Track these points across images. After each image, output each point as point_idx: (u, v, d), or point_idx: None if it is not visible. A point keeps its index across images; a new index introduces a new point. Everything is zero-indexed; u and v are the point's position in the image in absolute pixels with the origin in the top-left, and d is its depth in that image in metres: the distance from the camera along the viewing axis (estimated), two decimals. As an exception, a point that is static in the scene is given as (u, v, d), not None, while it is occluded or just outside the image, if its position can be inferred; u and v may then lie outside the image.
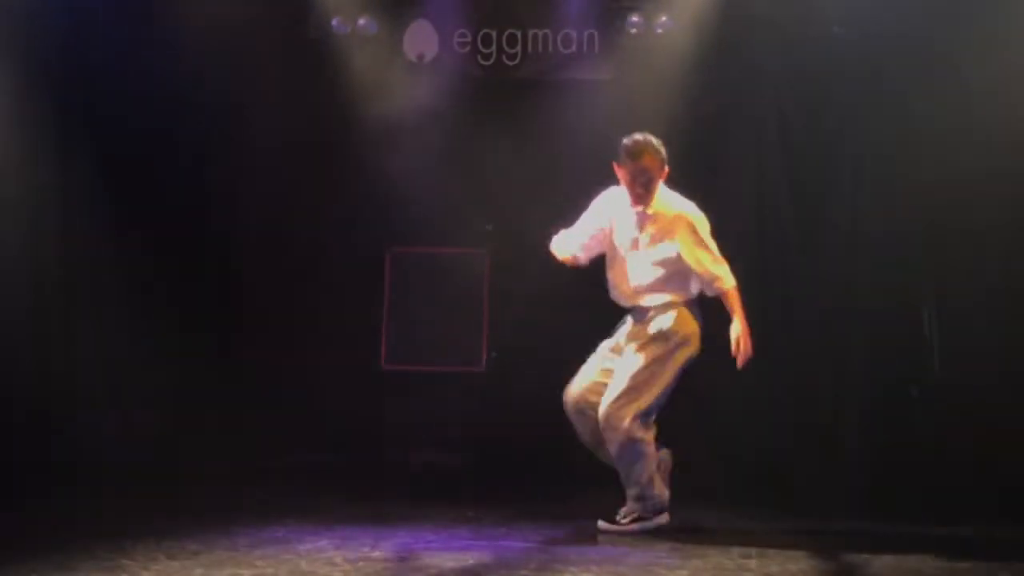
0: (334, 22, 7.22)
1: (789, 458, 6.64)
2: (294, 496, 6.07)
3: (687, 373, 5.34)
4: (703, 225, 5.28)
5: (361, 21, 7.21)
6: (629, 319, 5.37)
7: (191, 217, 7.09)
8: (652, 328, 5.24)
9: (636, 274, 5.31)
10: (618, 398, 5.14)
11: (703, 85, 7.07)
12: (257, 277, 7.18)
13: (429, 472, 6.86)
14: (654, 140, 5.26)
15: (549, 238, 5.41)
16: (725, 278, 5.24)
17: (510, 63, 7.28)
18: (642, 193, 5.24)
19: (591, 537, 5.07)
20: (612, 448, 5.18)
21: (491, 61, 7.29)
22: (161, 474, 6.37)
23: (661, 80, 7.02)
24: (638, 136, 5.26)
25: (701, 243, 5.23)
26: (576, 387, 5.34)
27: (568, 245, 5.33)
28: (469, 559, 4.55)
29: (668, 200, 5.32)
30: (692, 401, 6.89)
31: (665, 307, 5.26)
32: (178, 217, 7.02)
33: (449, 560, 4.52)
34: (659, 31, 7.09)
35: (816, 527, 5.31)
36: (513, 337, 7.11)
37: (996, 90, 6.38)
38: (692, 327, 5.27)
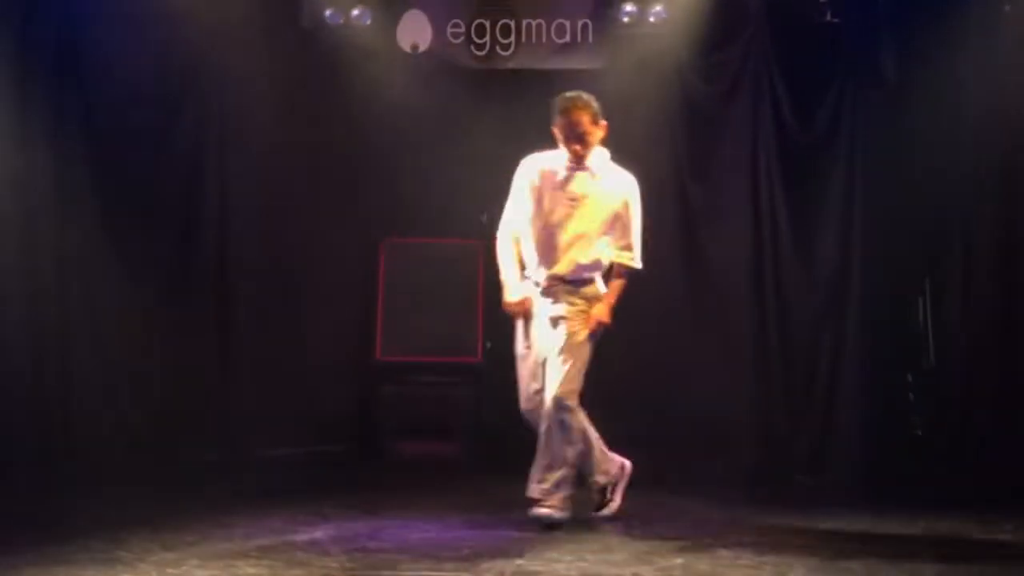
0: (327, 13, 7.20)
1: (783, 448, 6.66)
2: (290, 487, 6.07)
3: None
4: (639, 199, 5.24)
5: (355, 12, 7.19)
6: (547, 290, 5.20)
7: (184, 209, 7.06)
8: (586, 297, 5.15)
9: (577, 237, 5.13)
10: (567, 380, 5.03)
11: (697, 74, 7.08)
12: (251, 268, 7.16)
13: (425, 463, 6.86)
14: (584, 95, 5.12)
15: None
16: (639, 259, 5.23)
17: (504, 53, 7.27)
18: (579, 148, 5.10)
19: (586, 526, 5.08)
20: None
21: (485, 51, 7.27)
22: (157, 466, 6.37)
23: (655, 70, 7.02)
24: (568, 93, 5.15)
25: (638, 216, 5.20)
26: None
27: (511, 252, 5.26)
28: (464, 549, 4.55)
29: (613, 165, 5.21)
30: (684, 392, 6.92)
31: (594, 279, 5.19)
32: (171, 209, 7.01)
33: (444, 550, 4.53)
34: (652, 20, 7.08)
35: (811, 517, 5.32)
36: (509, 327, 7.09)
37: (991, 82, 6.39)
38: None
